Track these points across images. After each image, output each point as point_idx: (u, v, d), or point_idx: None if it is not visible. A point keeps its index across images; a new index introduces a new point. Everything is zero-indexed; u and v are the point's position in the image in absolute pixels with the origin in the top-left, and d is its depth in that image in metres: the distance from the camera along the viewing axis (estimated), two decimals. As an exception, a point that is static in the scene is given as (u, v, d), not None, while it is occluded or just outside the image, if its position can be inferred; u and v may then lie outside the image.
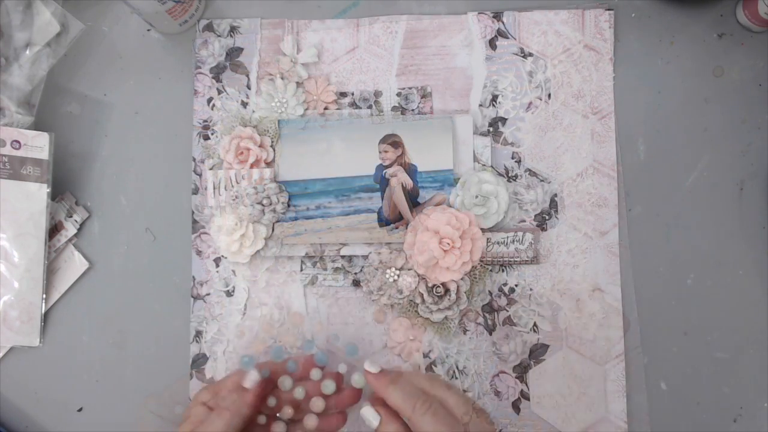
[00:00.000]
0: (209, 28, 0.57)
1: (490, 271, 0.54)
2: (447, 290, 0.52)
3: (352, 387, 0.47)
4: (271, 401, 0.47)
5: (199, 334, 0.55)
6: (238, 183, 0.54)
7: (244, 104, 0.56)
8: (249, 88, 0.57)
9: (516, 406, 0.53)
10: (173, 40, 0.58)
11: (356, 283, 0.54)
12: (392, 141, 0.54)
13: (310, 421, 0.46)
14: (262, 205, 0.53)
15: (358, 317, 0.54)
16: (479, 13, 0.56)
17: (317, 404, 0.47)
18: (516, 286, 0.54)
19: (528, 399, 0.53)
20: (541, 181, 0.55)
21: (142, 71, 0.58)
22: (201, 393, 0.46)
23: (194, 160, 0.56)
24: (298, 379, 0.47)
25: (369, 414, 0.43)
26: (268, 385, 0.46)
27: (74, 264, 0.56)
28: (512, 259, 0.53)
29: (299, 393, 0.47)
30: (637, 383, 0.53)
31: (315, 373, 0.47)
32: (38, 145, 0.54)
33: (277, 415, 0.47)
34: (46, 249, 0.54)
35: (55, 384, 0.55)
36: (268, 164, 0.55)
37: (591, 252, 0.54)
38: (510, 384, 0.53)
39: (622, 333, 0.53)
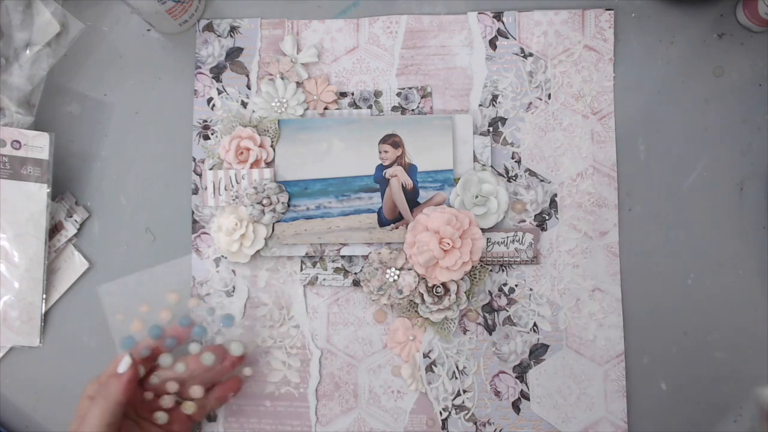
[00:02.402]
0: (209, 28, 0.57)
1: (490, 271, 0.54)
2: (447, 290, 0.52)
3: (232, 355, 0.50)
4: (154, 379, 0.48)
5: (199, 334, 0.55)
6: (238, 183, 0.54)
7: (244, 104, 0.56)
8: (249, 88, 0.57)
9: (516, 406, 0.53)
10: (173, 40, 0.58)
11: (356, 283, 0.54)
12: (392, 141, 0.54)
13: (196, 391, 0.48)
14: (262, 205, 0.53)
15: (358, 317, 0.54)
16: (479, 13, 0.56)
17: (196, 392, 0.49)
18: (516, 286, 0.54)
19: (528, 399, 0.53)
20: (541, 181, 0.55)
21: (142, 71, 0.58)
22: (88, 387, 0.46)
23: (194, 160, 0.56)
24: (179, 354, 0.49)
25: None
26: (148, 363, 0.48)
27: (74, 264, 0.56)
28: (512, 259, 0.53)
29: (180, 368, 0.48)
30: (637, 383, 0.53)
31: (193, 347, 0.49)
32: (38, 145, 0.54)
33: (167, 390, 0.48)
34: (46, 249, 0.54)
35: (55, 384, 0.55)
36: (268, 164, 0.55)
37: (591, 252, 0.54)
38: (510, 384, 0.53)
39: (622, 333, 0.53)
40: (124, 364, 0.45)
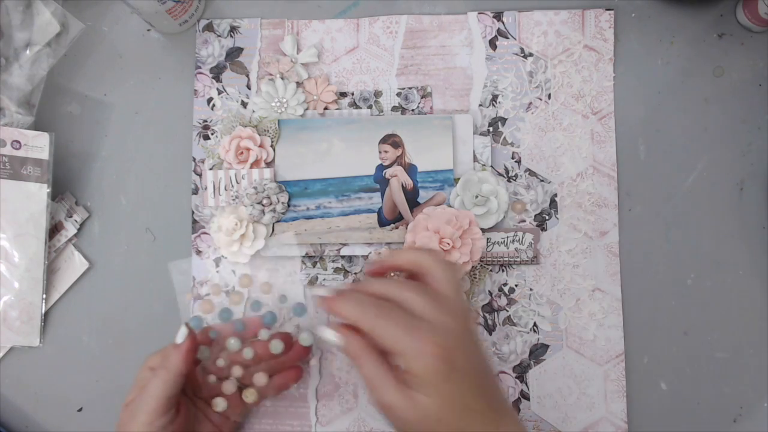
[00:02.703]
0: (209, 28, 0.57)
1: (490, 271, 0.54)
2: (447, 290, 0.52)
3: (300, 345, 0.49)
4: (220, 362, 0.47)
5: (199, 334, 0.55)
6: (238, 183, 0.54)
7: (244, 104, 0.56)
8: (249, 88, 0.57)
9: (516, 406, 0.53)
10: (173, 40, 0.58)
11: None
12: (392, 141, 0.54)
13: (260, 379, 0.48)
14: (262, 205, 0.53)
15: (358, 317, 0.54)
16: (479, 13, 0.56)
17: (260, 379, 0.48)
18: (516, 286, 0.54)
19: (528, 399, 0.53)
20: (541, 181, 0.55)
21: (142, 71, 0.58)
22: (150, 358, 0.46)
23: (194, 160, 0.56)
24: (246, 339, 0.48)
25: (326, 333, 0.41)
26: (216, 347, 0.48)
27: (74, 264, 0.56)
28: (512, 259, 0.53)
29: (248, 353, 0.47)
30: (637, 383, 0.53)
31: (263, 333, 0.48)
32: (38, 145, 0.54)
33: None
34: (46, 249, 0.54)
35: (55, 384, 0.55)
36: (268, 164, 0.55)
37: (591, 252, 0.54)
38: (510, 384, 0.53)
39: (622, 333, 0.53)
40: (182, 335, 0.45)
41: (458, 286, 0.41)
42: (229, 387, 0.48)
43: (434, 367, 0.37)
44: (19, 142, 0.53)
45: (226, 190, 0.55)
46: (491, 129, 0.55)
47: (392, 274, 0.47)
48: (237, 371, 0.48)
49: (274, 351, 0.48)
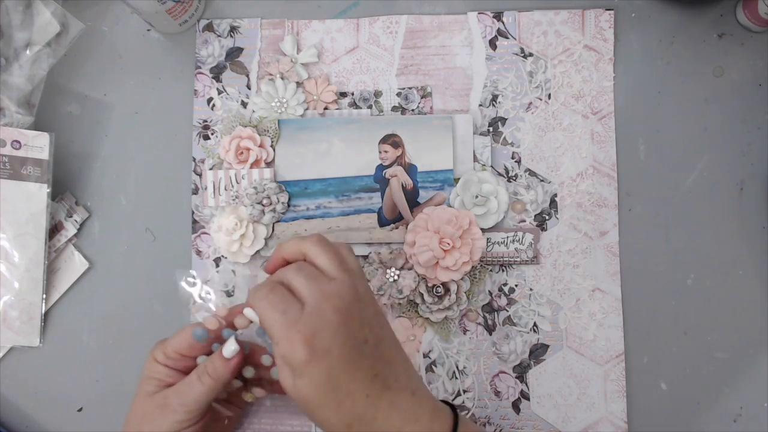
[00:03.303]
0: (209, 28, 0.57)
1: (490, 271, 0.54)
2: (447, 290, 0.52)
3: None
4: (237, 383, 0.49)
5: (199, 334, 0.55)
6: (238, 183, 0.54)
7: (244, 104, 0.56)
8: (249, 88, 0.57)
9: (516, 406, 0.53)
10: (173, 40, 0.58)
11: (356, 283, 0.54)
12: (392, 141, 0.54)
13: (258, 392, 0.49)
14: (262, 205, 0.53)
15: (358, 317, 0.54)
16: (479, 13, 0.56)
17: (258, 392, 0.49)
18: (516, 286, 0.54)
19: (528, 399, 0.53)
20: (541, 181, 0.55)
21: (142, 71, 0.58)
22: (156, 352, 0.46)
23: (194, 160, 0.56)
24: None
25: (249, 313, 0.43)
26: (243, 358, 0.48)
27: (74, 264, 0.56)
28: (512, 259, 0.53)
29: (248, 372, 0.48)
30: (637, 383, 0.53)
31: (266, 359, 0.48)
32: (39, 145, 0.54)
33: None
34: (46, 249, 0.54)
35: (55, 384, 0.55)
36: (268, 164, 0.55)
37: (591, 252, 0.54)
38: (510, 384, 0.53)
39: (622, 333, 0.53)
40: (232, 350, 0.45)
41: (341, 263, 0.41)
42: (259, 392, 0.49)
43: (293, 351, 0.37)
44: (19, 142, 0.53)
45: (226, 190, 0.55)
46: (491, 129, 0.55)
47: None
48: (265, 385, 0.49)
49: (273, 377, 0.48)
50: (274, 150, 0.55)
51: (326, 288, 0.39)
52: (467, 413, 0.53)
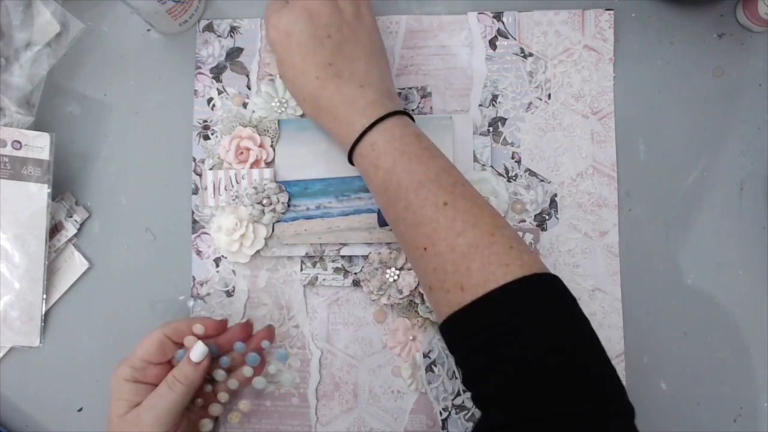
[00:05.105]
0: (209, 28, 0.57)
1: (490, 271, 0.54)
2: (447, 290, 0.52)
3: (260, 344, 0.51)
4: (208, 387, 0.51)
5: (199, 334, 0.55)
6: (238, 183, 0.54)
7: (244, 104, 0.56)
8: (249, 88, 0.57)
9: (516, 406, 0.53)
10: (173, 40, 0.58)
11: (356, 283, 0.54)
12: (392, 141, 0.54)
13: (245, 405, 0.53)
14: (262, 205, 0.53)
15: (358, 317, 0.54)
16: (479, 13, 0.56)
17: (244, 406, 0.53)
18: (516, 286, 0.54)
19: (528, 399, 0.53)
20: (541, 181, 0.55)
21: (142, 71, 0.58)
22: (122, 370, 0.47)
23: (194, 160, 0.56)
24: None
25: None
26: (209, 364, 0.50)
27: (74, 264, 0.56)
28: (512, 259, 0.53)
29: (233, 384, 0.51)
30: (637, 383, 0.53)
31: (246, 370, 0.51)
32: (39, 145, 0.54)
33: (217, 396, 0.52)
34: (46, 249, 0.54)
35: (55, 384, 0.55)
36: (268, 164, 0.55)
37: (591, 252, 0.54)
38: (510, 384, 0.53)
39: (622, 333, 0.53)
40: (200, 353, 0.47)
41: None
42: (215, 410, 0.52)
43: (267, 33, 0.49)
44: (19, 142, 0.53)
45: (226, 190, 0.55)
46: (491, 129, 0.55)
47: None
48: (224, 396, 0.52)
49: (257, 386, 0.51)
50: (274, 150, 0.55)
51: None
52: (467, 413, 0.53)
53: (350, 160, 0.47)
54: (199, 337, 0.48)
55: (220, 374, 0.50)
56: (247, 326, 0.51)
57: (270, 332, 0.52)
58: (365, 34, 0.49)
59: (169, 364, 0.48)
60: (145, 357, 0.47)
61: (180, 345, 0.48)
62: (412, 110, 0.56)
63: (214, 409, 0.51)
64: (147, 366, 0.47)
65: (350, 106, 0.46)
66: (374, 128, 0.45)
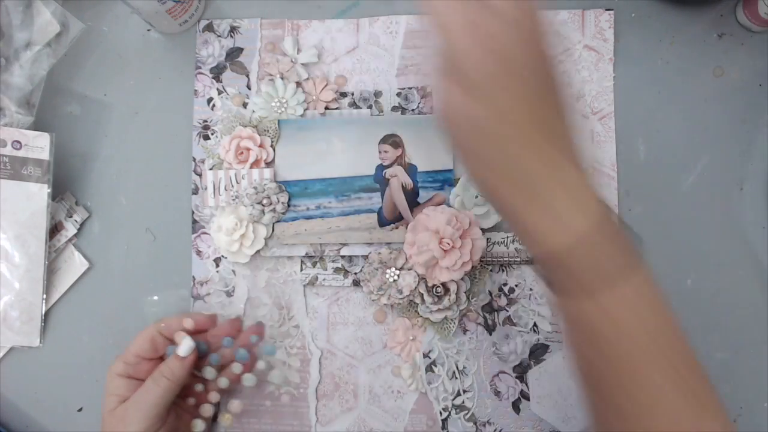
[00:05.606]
0: (209, 28, 0.57)
1: (490, 271, 0.54)
2: (447, 290, 0.52)
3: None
4: (199, 387, 0.50)
5: (199, 334, 0.55)
6: (238, 183, 0.54)
7: (244, 104, 0.56)
8: (249, 88, 0.57)
9: (516, 406, 0.53)
10: (173, 40, 0.58)
11: (356, 283, 0.54)
12: (392, 141, 0.54)
13: (235, 407, 0.52)
14: (262, 205, 0.53)
15: (358, 317, 0.54)
16: (479, 13, 0.56)
17: (234, 407, 0.52)
18: (516, 286, 0.54)
19: (528, 399, 0.53)
20: (541, 181, 0.55)
21: (142, 71, 0.58)
22: (116, 366, 0.47)
23: (194, 160, 0.56)
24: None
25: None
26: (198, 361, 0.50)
27: (74, 264, 0.56)
28: (512, 259, 0.53)
29: (223, 382, 0.50)
30: (637, 383, 0.53)
31: (236, 367, 0.50)
32: (39, 145, 0.54)
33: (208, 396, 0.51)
34: (46, 249, 0.54)
35: (55, 384, 0.55)
36: (268, 164, 0.55)
37: (591, 252, 0.54)
38: (510, 384, 0.53)
39: (622, 333, 0.53)
40: (187, 348, 0.47)
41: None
42: (206, 412, 0.51)
43: (478, 61, 0.30)
44: (19, 142, 0.53)
45: (226, 190, 0.55)
46: (491, 129, 0.55)
47: None
48: (214, 396, 0.51)
49: (246, 383, 0.51)
50: (274, 150, 0.55)
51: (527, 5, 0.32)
52: (467, 413, 0.53)
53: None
54: (190, 333, 0.48)
55: (209, 372, 0.50)
56: (236, 322, 0.51)
57: (259, 328, 0.52)
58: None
59: (162, 360, 0.48)
60: (137, 353, 0.47)
61: (172, 341, 0.49)
62: (412, 110, 0.56)
63: (205, 409, 0.51)
64: (140, 362, 0.47)
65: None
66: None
